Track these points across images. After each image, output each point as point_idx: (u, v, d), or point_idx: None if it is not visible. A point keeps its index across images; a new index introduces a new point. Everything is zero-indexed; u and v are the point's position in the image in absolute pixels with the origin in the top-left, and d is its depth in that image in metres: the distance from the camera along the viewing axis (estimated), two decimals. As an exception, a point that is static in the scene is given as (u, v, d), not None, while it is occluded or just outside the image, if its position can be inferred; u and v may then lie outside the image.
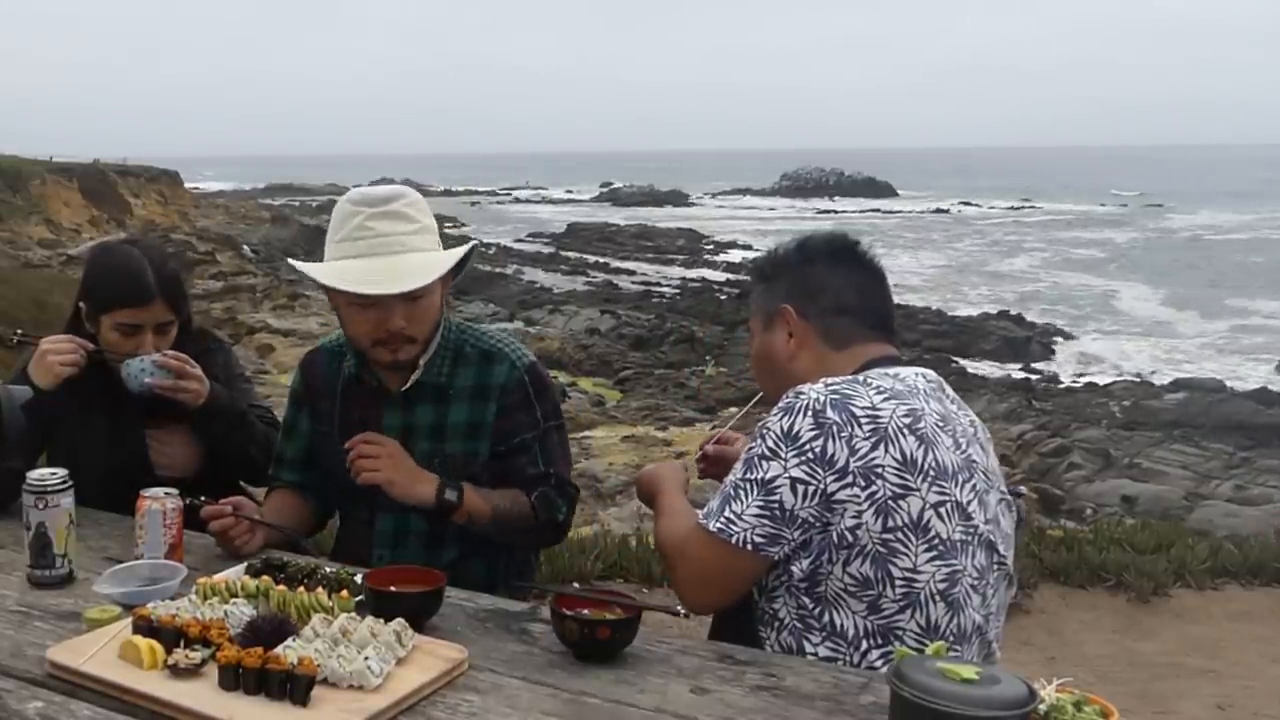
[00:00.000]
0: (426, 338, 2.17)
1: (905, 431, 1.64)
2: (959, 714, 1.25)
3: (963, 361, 19.66)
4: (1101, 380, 18.40)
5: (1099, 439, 12.87)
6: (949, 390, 1.83)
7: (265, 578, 1.78)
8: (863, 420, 1.63)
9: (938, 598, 1.65)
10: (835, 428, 1.63)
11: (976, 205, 68.34)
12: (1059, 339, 22.30)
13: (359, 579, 1.82)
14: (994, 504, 1.76)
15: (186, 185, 45.54)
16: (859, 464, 1.62)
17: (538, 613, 1.84)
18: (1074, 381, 18.55)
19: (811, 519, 1.64)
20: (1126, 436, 13.22)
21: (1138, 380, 18.23)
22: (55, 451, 2.42)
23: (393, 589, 1.76)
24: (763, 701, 1.52)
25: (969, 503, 1.69)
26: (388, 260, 2.04)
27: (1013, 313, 24.37)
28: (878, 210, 66.43)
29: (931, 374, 1.82)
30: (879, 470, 1.62)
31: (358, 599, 1.75)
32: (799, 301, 1.89)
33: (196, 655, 1.53)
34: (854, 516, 1.62)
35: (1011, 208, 66.67)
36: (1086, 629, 4.44)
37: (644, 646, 1.70)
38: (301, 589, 1.76)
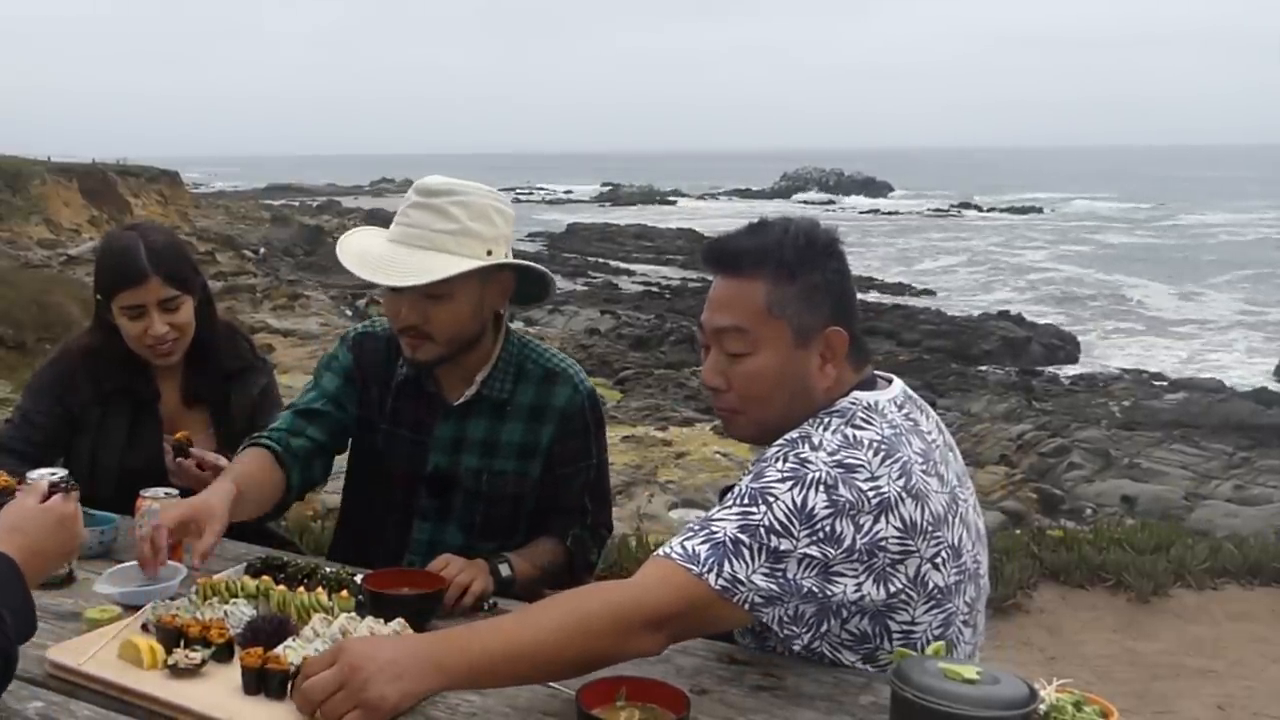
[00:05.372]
0: (450, 341, 2.06)
1: (904, 496, 1.54)
2: (959, 714, 1.25)
3: (963, 362, 19.66)
4: (1101, 380, 18.40)
5: (1099, 439, 12.86)
6: (916, 400, 1.73)
7: (265, 578, 1.78)
8: (869, 494, 1.53)
9: (932, 641, 1.60)
10: (847, 505, 1.51)
11: (977, 207, 68.21)
12: (1058, 339, 22.27)
13: (359, 579, 1.82)
14: (972, 513, 1.71)
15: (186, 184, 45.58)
16: (864, 541, 1.52)
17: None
18: (1074, 382, 18.54)
19: (814, 589, 1.53)
20: (1126, 436, 13.20)
21: (1138, 380, 18.22)
22: (77, 448, 2.43)
23: (392, 591, 1.76)
24: (763, 702, 1.52)
25: (959, 540, 1.63)
26: (408, 252, 1.98)
27: (1013, 312, 24.36)
28: (877, 210, 66.37)
29: (898, 388, 1.71)
30: (881, 543, 1.53)
31: (357, 599, 1.76)
32: (844, 322, 1.65)
33: (196, 655, 1.53)
34: (855, 590, 1.54)
35: (1012, 208, 66.57)
36: (1086, 629, 4.45)
37: (644, 646, 1.70)
38: (301, 589, 1.77)
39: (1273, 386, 17.32)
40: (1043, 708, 1.31)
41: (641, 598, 1.49)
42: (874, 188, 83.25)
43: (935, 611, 1.61)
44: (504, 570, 1.99)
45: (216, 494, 1.92)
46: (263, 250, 32.95)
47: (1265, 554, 4.98)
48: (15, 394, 8.59)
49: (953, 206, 68.30)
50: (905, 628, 1.59)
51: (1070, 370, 19.95)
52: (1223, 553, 5.00)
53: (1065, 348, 21.76)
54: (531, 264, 2.15)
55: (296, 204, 58.17)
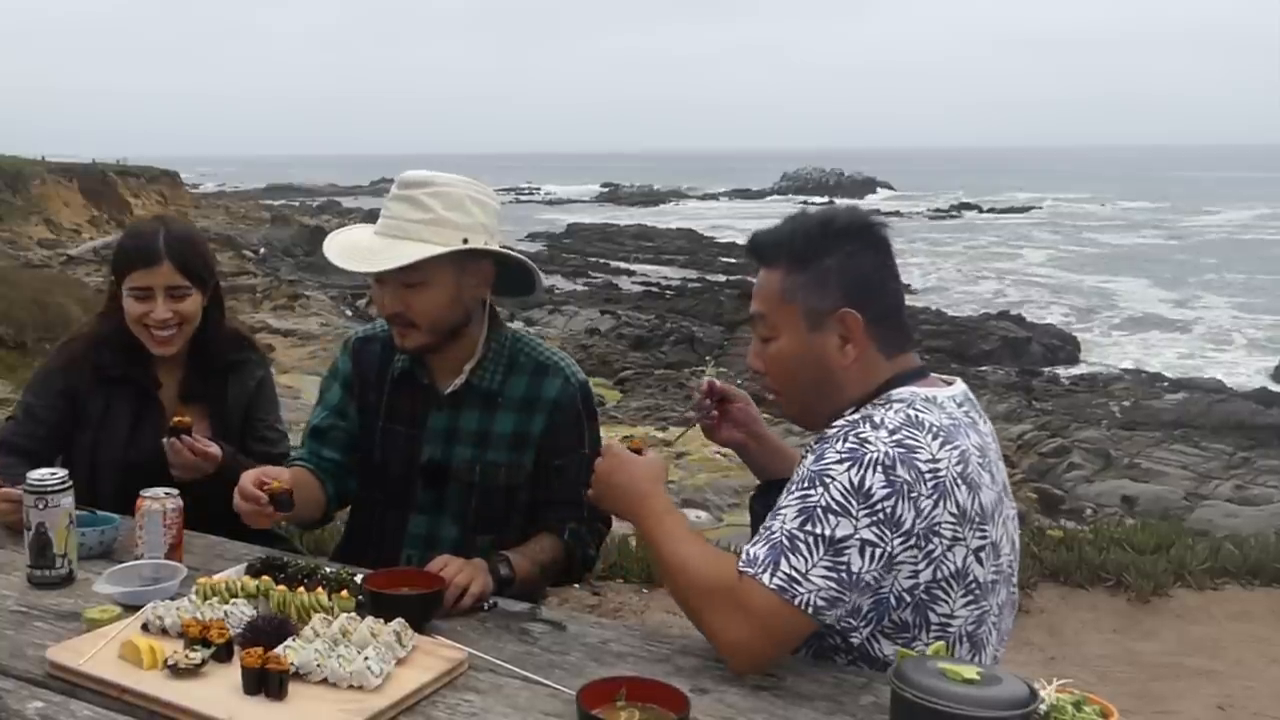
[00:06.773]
0: (434, 328, 2.12)
1: (959, 482, 1.56)
2: (960, 714, 1.25)
3: (963, 362, 19.65)
4: (1102, 380, 18.40)
5: (1099, 439, 12.86)
6: (975, 404, 1.75)
7: (265, 578, 1.78)
8: (927, 476, 1.54)
9: (965, 639, 1.63)
10: (906, 487, 1.53)
11: (977, 207, 68.12)
12: (1058, 339, 22.27)
13: (359, 579, 1.82)
14: (1012, 521, 1.72)
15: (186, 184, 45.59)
16: (922, 525, 1.54)
17: (537, 613, 1.84)
18: (1074, 382, 18.54)
19: (872, 581, 1.55)
20: (1126, 436, 13.21)
21: (1138, 380, 18.22)
22: (80, 442, 2.43)
23: (392, 591, 1.76)
24: (763, 701, 1.52)
25: (1000, 539, 1.65)
26: (385, 242, 2.06)
27: (1013, 312, 24.36)
28: (877, 210, 66.16)
29: (960, 390, 1.73)
30: (937, 528, 1.55)
31: (357, 599, 1.76)
32: (859, 303, 1.68)
33: (196, 655, 1.53)
34: (910, 576, 1.57)
35: (1012, 208, 66.52)
36: (1086, 629, 4.44)
37: (644, 646, 1.71)
38: (301, 589, 1.77)
39: (1273, 386, 17.33)
40: (1043, 708, 1.31)
41: (738, 622, 1.56)
42: (873, 188, 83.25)
43: (972, 606, 1.62)
44: (503, 570, 2.00)
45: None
46: (263, 250, 32.93)
47: (1265, 554, 4.97)
48: (15, 394, 8.60)
49: (953, 206, 68.19)
50: (943, 619, 1.61)
51: (1070, 370, 19.95)
52: (1223, 553, 4.99)
53: (1065, 348, 21.75)
54: (510, 252, 2.18)
55: (296, 204, 58.14)
